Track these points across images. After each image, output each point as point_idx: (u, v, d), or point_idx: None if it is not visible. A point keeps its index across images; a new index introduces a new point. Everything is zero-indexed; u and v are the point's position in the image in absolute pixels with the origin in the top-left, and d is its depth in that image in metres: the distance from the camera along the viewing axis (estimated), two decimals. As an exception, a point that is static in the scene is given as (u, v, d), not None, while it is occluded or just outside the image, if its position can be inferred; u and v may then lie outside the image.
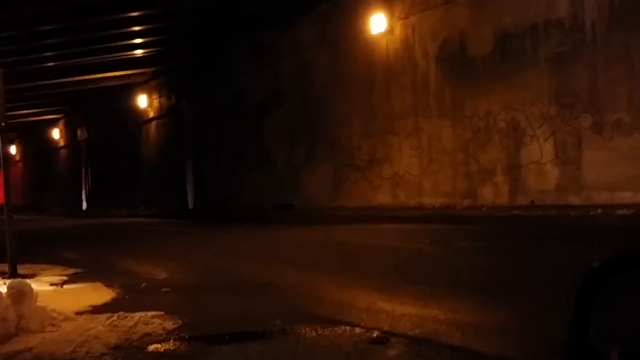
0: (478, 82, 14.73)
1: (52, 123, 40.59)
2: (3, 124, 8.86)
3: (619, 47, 12.07)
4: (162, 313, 5.86)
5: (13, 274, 8.66)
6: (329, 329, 5.04)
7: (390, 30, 16.87)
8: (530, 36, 13.60)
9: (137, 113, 30.28)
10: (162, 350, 4.82)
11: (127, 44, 22.45)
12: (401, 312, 5.45)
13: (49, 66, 24.60)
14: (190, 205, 26.59)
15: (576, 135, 12.87)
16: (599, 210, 11.43)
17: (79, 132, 38.05)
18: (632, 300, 1.50)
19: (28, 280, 6.67)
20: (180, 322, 5.56)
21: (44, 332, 5.40)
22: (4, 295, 5.52)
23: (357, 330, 4.98)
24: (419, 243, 10.33)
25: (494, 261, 8.09)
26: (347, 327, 5.07)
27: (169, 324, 5.48)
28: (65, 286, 8.09)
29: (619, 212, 11.00)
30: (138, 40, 22.21)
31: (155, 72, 27.81)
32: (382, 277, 7.31)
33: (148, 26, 20.36)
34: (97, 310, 6.32)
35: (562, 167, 13.16)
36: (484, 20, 14.54)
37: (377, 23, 17.08)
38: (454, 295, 6.03)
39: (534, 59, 13.56)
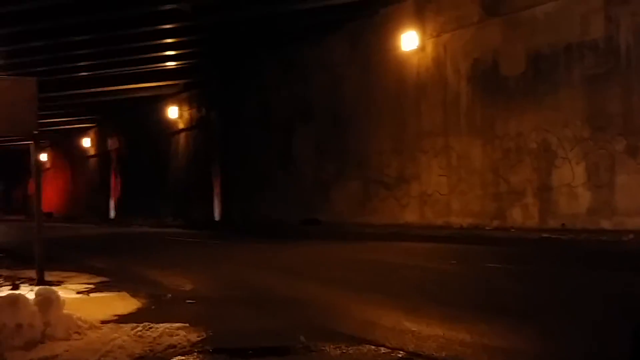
0: (510, 102, 14.60)
1: (84, 132, 41.12)
2: (36, 132, 8.98)
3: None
4: (187, 325, 5.85)
5: (41, 281, 8.74)
6: (354, 347, 4.98)
7: (422, 47, 16.83)
8: (564, 57, 13.47)
9: (167, 124, 30.56)
10: (185, 362, 4.81)
11: (159, 56, 22.68)
12: (427, 333, 5.37)
13: (83, 76, 24.96)
14: (217, 217, 26.69)
15: (609, 159, 12.67)
16: (631, 236, 11.22)
17: (109, 141, 38.49)
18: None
19: (55, 288, 6.71)
20: (204, 334, 5.54)
21: (69, 340, 5.41)
22: (31, 302, 5.56)
23: (382, 350, 4.91)
24: (446, 263, 10.21)
25: (522, 284, 7.95)
26: (372, 347, 5.00)
27: (194, 336, 5.46)
28: (91, 294, 8.13)
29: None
30: (171, 53, 22.42)
31: (187, 84, 28.06)
32: (408, 296, 7.23)
33: (181, 39, 20.56)
34: (122, 319, 6.33)
35: (594, 190, 12.95)
36: (517, 40, 14.44)
37: (409, 40, 17.06)
38: (481, 317, 5.92)
39: (568, 80, 13.41)
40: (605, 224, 12.52)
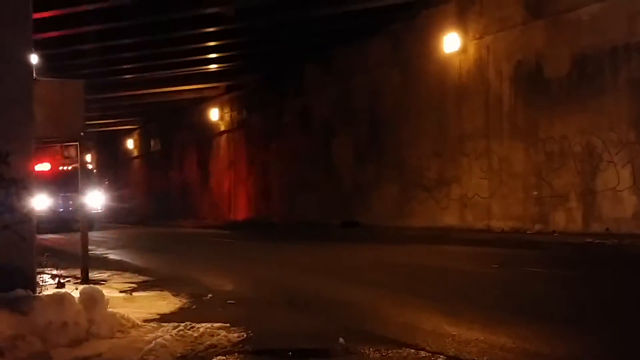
0: (553, 104, 14.38)
1: (127, 133, 41.77)
2: (82, 133, 9.16)
3: None
4: (228, 325, 5.90)
5: (85, 280, 8.92)
6: (394, 350, 4.97)
7: (464, 49, 16.69)
8: (609, 59, 13.21)
9: (209, 126, 30.87)
10: (226, 362, 4.86)
11: (202, 59, 22.94)
12: (468, 337, 5.33)
13: (127, 78, 25.35)
14: (256, 218, 26.85)
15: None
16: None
17: (152, 142, 39.06)
18: None
19: (99, 287, 6.84)
20: (244, 335, 5.59)
21: (112, 338, 5.52)
22: (76, 300, 5.68)
23: (422, 353, 4.89)
24: (487, 267, 10.11)
25: (565, 289, 7.84)
26: (412, 350, 4.98)
27: (234, 337, 5.51)
28: (134, 293, 8.27)
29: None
30: (213, 55, 22.66)
31: (228, 87, 28.30)
32: (448, 300, 7.18)
33: (223, 41, 20.75)
34: (164, 319, 6.42)
35: (639, 195, 12.68)
36: (562, 42, 14.21)
37: (451, 42, 16.93)
38: (523, 322, 5.85)
39: (613, 82, 13.15)
40: (651, 229, 12.24)
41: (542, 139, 14.64)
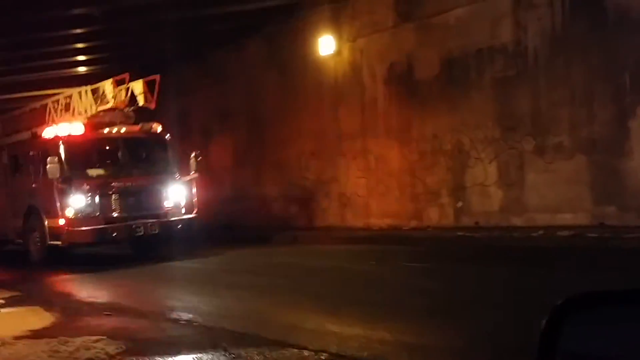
0: (425, 104, 14.92)
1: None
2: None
3: (561, 72, 12.39)
4: (105, 337, 5.70)
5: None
6: (277, 352, 4.98)
7: (339, 52, 16.98)
8: (474, 61, 13.87)
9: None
10: (104, 376, 4.69)
11: (71, 61, 22.00)
12: (349, 333, 5.43)
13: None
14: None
15: (519, 158, 13.13)
16: (541, 232, 11.67)
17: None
18: (592, 335, 1.52)
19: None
20: (123, 346, 5.42)
21: (-22, 358, 5.18)
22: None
23: (305, 352, 4.94)
24: (365, 264, 10.35)
25: (440, 283, 8.14)
26: (295, 350, 5.02)
27: (112, 349, 5.33)
28: (2, 310, 7.81)
29: (560, 233, 11.26)
30: (81, 58, 21.80)
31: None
32: (329, 298, 7.28)
33: (92, 43, 20.00)
34: (37, 335, 6.11)
35: (505, 189, 13.39)
36: (431, 45, 14.77)
37: (326, 45, 17.17)
38: (400, 316, 6.04)
39: (479, 83, 13.81)
40: (517, 221, 12.96)
41: (415, 138, 15.15)
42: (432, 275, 8.91)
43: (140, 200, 13.10)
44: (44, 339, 5.74)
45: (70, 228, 12.20)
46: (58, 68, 22.47)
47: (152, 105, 13.55)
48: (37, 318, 7.10)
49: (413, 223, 15.00)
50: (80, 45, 20.05)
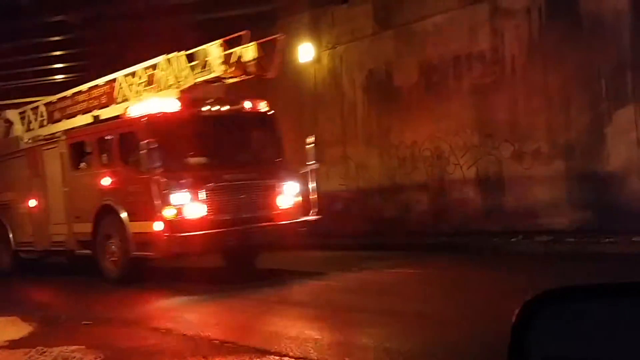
0: (404, 111, 14.98)
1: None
2: None
3: (538, 79, 12.51)
4: (83, 347, 5.65)
5: None
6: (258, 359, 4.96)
7: (318, 59, 17.02)
8: (453, 68, 13.97)
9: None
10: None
11: (49, 69, 21.84)
12: (330, 340, 5.41)
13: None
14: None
15: (497, 164, 13.24)
16: (520, 237, 11.77)
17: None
18: (564, 331, 1.53)
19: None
20: (102, 355, 5.37)
21: (-46, 370, 5.10)
22: None
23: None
24: (350, 271, 10.31)
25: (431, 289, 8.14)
26: (276, 357, 5.00)
27: (90, 358, 5.28)
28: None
29: (538, 238, 11.37)
30: (59, 65, 21.64)
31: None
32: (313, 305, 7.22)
33: (70, 51, 19.87)
34: (15, 345, 6.03)
35: (484, 195, 13.48)
36: (410, 52, 14.84)
37: (305, 52, 17.20)
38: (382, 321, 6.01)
39: (457, 90, 13.91)
40: (495, 227, 13.02)
41: (395, 145, 15.21)
42: (404, 280, 8.92)
43: (254, 198, 10.35)
44: (21, 349, 5.67)
45: (170, 234, 9.28)
46: (34, 76, 22.33)
47: (272, 73, 10.98)
48: (15, 329, 7.01)
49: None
50: (57, 53, 19.94)
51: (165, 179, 9.45)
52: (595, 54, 11.45)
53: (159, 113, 10.07)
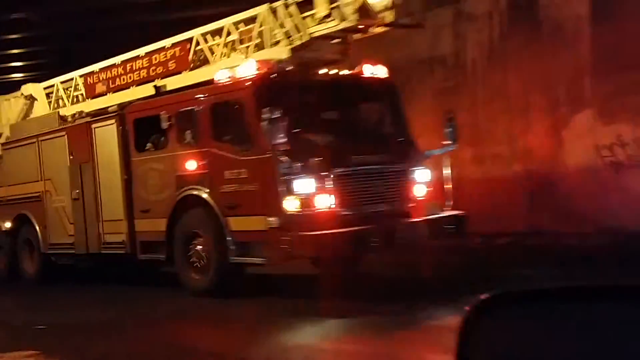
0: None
1: None
2: None
3: (498, 83, 12.63)
4: (39, 352, 5.53)
5: None
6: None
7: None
8: (416, 71, 14.00)
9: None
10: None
11: (6, 67, 21.41)
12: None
13: None
14: None
15: (458, 167, 13.31)
16: (480, 239, 11.87)
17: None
18: (510, 332, 1.56)
19: None
20: (58, 361, 5.26)
21: None
22: None
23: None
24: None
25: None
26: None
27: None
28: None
29: (498, 241, 11.48)
30: (18, 63, 21.24)
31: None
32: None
33: (27, 49, 19.51)
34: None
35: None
36: (373, 55, 14.82)
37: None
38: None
39: (420, 93, 13.95)
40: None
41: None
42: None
43: (391, 188, 8.28)
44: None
45: (295, 233, 7.18)
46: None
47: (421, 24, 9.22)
48: None
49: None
50: (15, 51, 19.56)
51: (288, 159, 7.37)
52: (555, 59, 11.63)
53: (270, 76, 7.89)
